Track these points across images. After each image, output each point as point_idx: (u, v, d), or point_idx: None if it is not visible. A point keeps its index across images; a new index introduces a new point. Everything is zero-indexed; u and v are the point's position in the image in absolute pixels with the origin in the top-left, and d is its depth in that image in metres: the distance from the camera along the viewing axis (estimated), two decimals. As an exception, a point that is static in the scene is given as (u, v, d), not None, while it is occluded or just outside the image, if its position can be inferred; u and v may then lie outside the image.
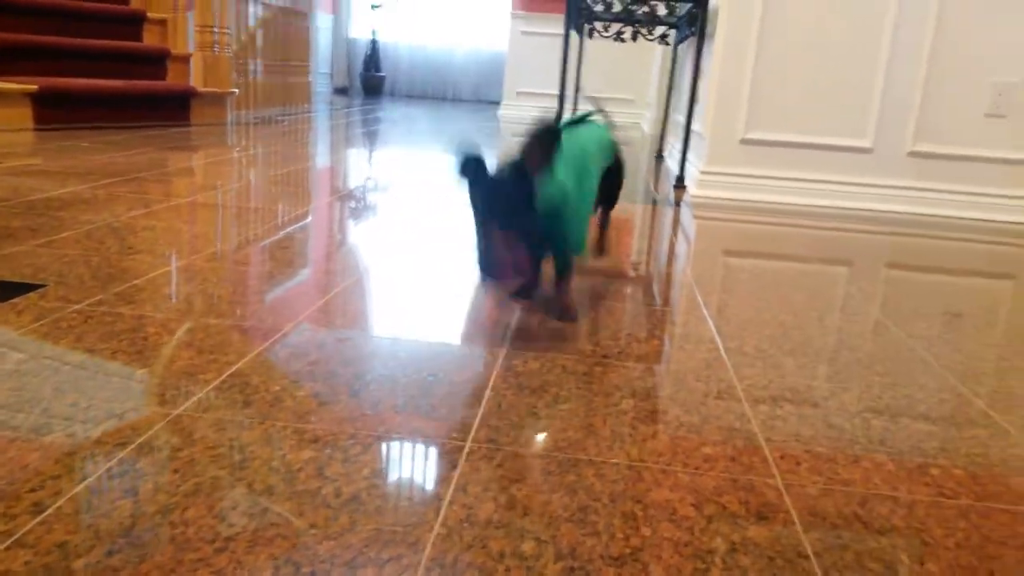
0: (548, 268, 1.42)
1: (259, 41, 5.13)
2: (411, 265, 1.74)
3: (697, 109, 3.28)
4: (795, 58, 2.92)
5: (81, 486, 0.76)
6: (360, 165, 3.35)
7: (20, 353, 1.07)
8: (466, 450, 0.89)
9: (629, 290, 1.65)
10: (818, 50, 2.90)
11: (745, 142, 2.99)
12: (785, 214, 2.81)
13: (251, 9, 4.97)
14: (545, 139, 1.14)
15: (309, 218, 2.16)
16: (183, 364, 1.07)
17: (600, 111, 1.67)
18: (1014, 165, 2.91)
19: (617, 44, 5.34)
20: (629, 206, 2.73)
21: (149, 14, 4.59)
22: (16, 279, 1.39)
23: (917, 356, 1.35)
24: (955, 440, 1.03)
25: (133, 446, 0.84)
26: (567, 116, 1.47)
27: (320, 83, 8.72)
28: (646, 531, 0.76)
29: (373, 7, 9.00)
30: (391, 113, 6.47)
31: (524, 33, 6.99)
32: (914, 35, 2.86)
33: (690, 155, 3.37)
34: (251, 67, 5.04)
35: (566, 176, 1.31)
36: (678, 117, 4.09)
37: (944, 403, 1.15)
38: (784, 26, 2.89)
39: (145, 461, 0.81)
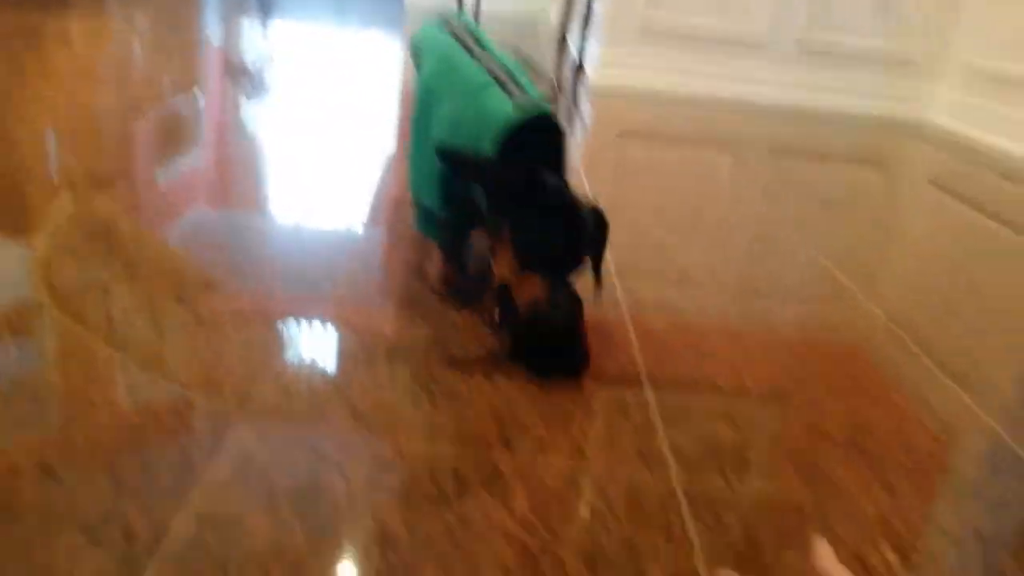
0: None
1: None
2: (309, 145, 1.73)
3: (598, -11, 3.27)
4: (694, -59, 2.92)
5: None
6: (255, 38, 3.20)
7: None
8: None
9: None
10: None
11: (645, 24, 3.01)
12: (681, 103, 2.90)
13: None
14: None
15: (198, 94, 2.10)
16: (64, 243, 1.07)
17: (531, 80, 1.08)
18: (894, 58, 3.07)
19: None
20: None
21: None
22: None
23: (792, 238, 1.48)
24: (820, 316, 1.17)
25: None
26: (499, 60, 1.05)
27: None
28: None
29: None
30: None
31: None
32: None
33: (591, 40, 3.37)
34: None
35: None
36: (579, -4, 4.05)
37: (812, 281, 1.29)
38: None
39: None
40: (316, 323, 0.95)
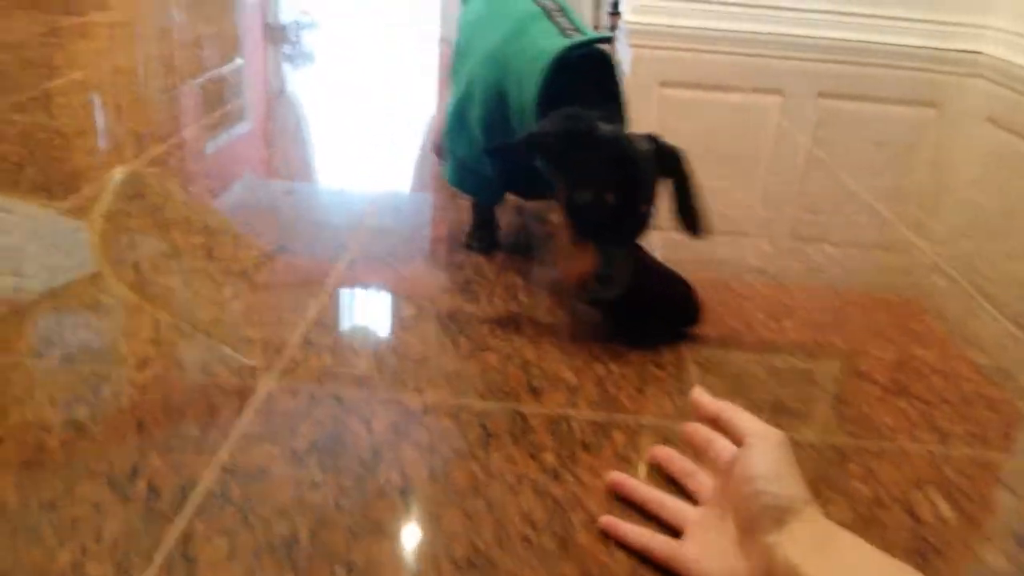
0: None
1: None
2: (352, 109, 1.71)
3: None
4: None
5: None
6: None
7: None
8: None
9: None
10: None
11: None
12: (719, 41, 2.80)
13: None
14: None
15: (239, 60, 2.08)
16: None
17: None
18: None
19: None
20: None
21: None
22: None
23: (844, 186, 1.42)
24: (877, 270, 1.12)
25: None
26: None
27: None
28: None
29: None
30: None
31: None
32: None
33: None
34: None
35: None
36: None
37: (866, 228, 1.23)
38: None
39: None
40: (351, 284, 0.94)
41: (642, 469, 0.65)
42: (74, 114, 1.44)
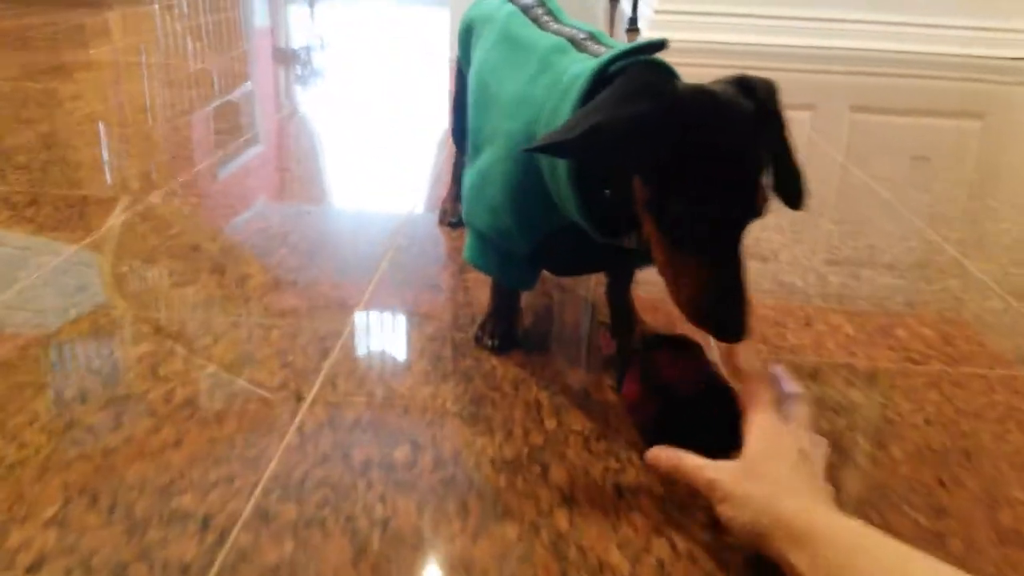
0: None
1: None
2: (363, 130, 1.63)
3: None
4: None
5: None
6: (302, 22, 3.12)
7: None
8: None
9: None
10: None
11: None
12: (743, 55, 2.69)
13: None
14: None
15: (249, 84, 2.01)
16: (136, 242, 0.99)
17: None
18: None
19: None
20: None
21: None
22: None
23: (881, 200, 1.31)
24: (924, 294, 0.98)
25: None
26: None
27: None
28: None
29: None
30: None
31: None
32: None
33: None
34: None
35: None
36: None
37: (912, 251, 1.11)
38: None
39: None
40: (376, 310, 0.88)
41: None
42: (88, 143, 1.40)
